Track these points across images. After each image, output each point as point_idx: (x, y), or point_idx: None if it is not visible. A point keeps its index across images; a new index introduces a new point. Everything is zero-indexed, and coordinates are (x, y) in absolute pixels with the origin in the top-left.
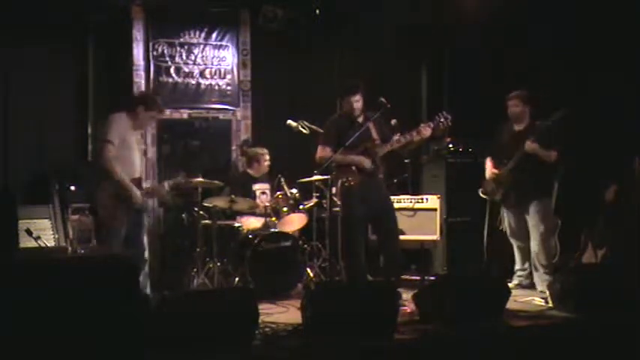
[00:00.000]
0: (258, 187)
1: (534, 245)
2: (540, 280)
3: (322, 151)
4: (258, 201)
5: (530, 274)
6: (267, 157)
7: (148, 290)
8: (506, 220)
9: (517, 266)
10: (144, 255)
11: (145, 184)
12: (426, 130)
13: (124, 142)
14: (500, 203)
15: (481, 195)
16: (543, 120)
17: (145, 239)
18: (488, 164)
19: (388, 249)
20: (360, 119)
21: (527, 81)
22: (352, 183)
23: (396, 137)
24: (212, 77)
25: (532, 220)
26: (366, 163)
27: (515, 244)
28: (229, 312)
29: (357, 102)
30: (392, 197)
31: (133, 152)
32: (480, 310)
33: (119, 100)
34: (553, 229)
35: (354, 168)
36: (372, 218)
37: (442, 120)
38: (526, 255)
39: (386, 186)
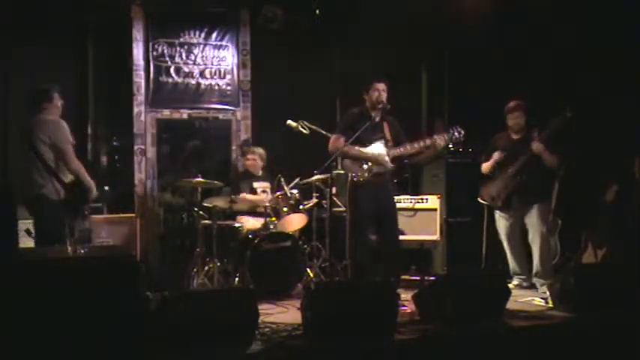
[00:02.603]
0: (258, 186)
1: (535, 247)
2: (539, 282)
3: (336, 141)
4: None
5: (528, 273)
6: (255, 156)
7: None
8: (501, 225)
9: (515, 267)
10: None
11: None
12: (441, 141)
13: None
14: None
15: (481, 201)
16: (543, 127)
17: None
18: (485, 168)
19: (388, 249)
20: (377, 118)
21: (526, 81)
22: (362, 180)
23: (409, 144)
24: (212, 77)
25: (533, 222)
26: (381, 161)
27: (508, 249)
28: (229, 312)
29: (384, 91)
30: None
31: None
32: (480, 310)
33: (119, 100)
34: (553, 229)
35: (365, 165)
36: (377, 218)
37: (456, 134)
38: (522, 261)
39: (393, 185)
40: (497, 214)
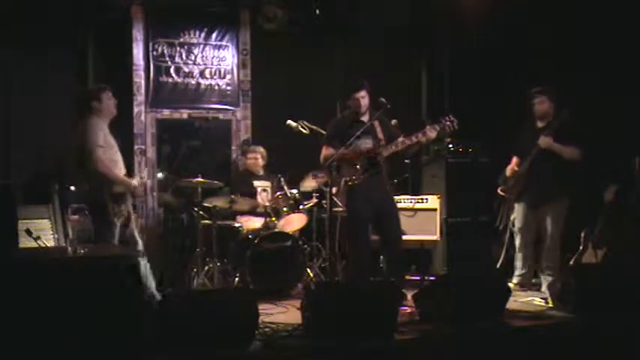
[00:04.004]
0: (258, 184)
1: (547, 245)
2: (545, 281)
3: (326, 151)
4: (258, 198)
5: (529, 274)
6: (257, 155)
7: (152, 281)
8: (518, 216)
9: (518, 265)
10: (137, 247)
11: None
12: (432, 132)
13: (107, 143)
14: (512, 201)
15: (500, 192)
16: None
17: (136, 232)
18: (513, 163)
19: (391, 249)
20: (365, 119)
21: (526, 81)
22: (356, 182)
23: (401, 139)
24: (212, 77)
25: (547, 220)
26: (366, 145)
27: (519, 242)
28: (229, 312)
29: (363, 98)
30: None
31: (114, 150)
32: (480, 310)
33: (119, 100)
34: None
35: (357, 167)
36: (375, 218)
37: (448, 123)
38: (528, 254)
39: (390, 185)
40: (515, 205)
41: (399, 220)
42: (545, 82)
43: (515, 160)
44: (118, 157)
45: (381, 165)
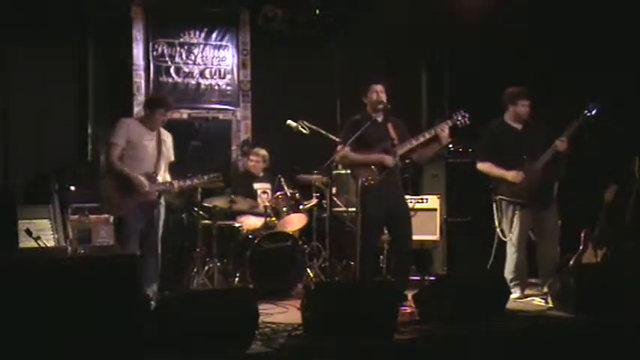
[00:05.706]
0: (258, 187)
1: (552, 246)
2: (544, 281)
3: (341, 151)
4: (258, 200)
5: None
6: (258, 157)
7: (153, 290)
8: (522, 221)
9: (509, 269)
10: (155, 258)
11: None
12: (444, 128)
13: (131, 142)
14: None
15: (503, 198)
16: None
17: (159, 245)
18: (493, 167)
19: (400, 251)
20: (380, 119)
21: (527, 81)
22: (372, 183)
23: (413, 139)
24: (212, 77)
25: (551, 221)
26: (388, 160)
27: (519, 249)
28: (229, 312)
29: (382, 92)
30: None
31: (141, 151)
32: (480, 310)
33: (119, 100)
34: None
35: (373, 167)
36: (387, 218)
37: (460, 118)
38: (521, 260)
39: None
40: (517, 212)
41: (410, 221)
42: (521, 84)
43: (490, 163)
44: (144, 158)
45: (397, 164)
